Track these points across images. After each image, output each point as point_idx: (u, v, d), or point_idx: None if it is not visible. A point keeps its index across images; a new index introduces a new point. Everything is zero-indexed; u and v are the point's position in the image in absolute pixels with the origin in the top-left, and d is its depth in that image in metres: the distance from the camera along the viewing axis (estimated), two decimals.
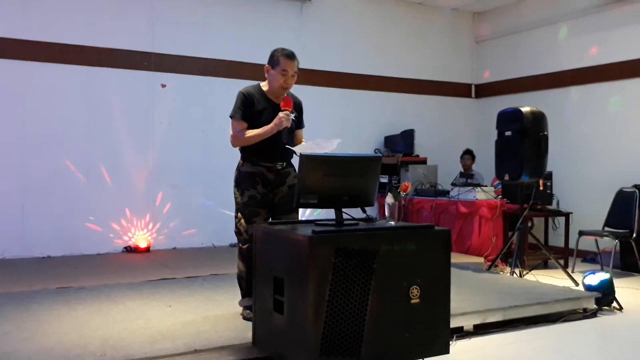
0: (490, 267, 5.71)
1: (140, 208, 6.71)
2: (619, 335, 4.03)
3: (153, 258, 6.22)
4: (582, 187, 7.22)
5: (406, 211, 7.16)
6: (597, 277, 4.58)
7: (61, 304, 4.05)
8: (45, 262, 5.88)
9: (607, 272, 4.72)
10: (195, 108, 6.97)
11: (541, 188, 6.17)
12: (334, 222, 3.03)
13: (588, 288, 4.60)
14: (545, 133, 5.40)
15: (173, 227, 6.85)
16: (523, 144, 5.34)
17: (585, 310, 4.41)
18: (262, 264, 3.12)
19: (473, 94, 8.98)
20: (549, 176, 6.46)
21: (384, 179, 7.58)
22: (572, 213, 6.65)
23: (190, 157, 6.94)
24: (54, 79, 6.31)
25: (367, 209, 3.16)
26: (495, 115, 5.77)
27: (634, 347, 3.76)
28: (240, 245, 3.69)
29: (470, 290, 4.53)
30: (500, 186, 6.73)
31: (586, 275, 4.71)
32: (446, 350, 2.99)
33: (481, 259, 6.05)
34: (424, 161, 7.86)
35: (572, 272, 5.67)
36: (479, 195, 6.40)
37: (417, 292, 2.86)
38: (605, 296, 4.51)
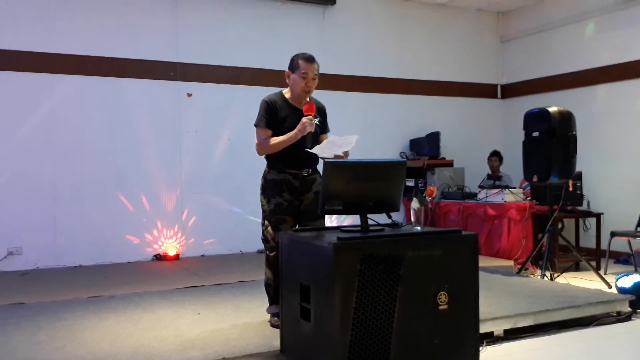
0: (520, 270, 5.63)
1: (169, 216, 6.80)
2: None
3: (182, 265, 6.29)
4: (613, 187, 7.09)
5: (433, 215, 7.10)
6: (630, 279, 4.49)
7: (93, 313, 4.12)
8: (77, 272, 5.99)
9: None
10: (221, 116, 7.03)
11: (570, 189, 6.06)
12: (359, 229, 3.02)
13: (621, 290, 4.51)
14: (574, 133, 5.31)
15: (201, 234, 6.92)
16: (551, 145, 5.26)
17: (618, 313, 4.30)
18: (288, 271, 3.13)
19: (499, 95, 8.89)
20: (578, 176, 6.35)
21: (410, 183, 7.54)
22: (603, 214, 6.53)
23: (217, 164, 7.01)
24: (82, 91, 6.43)
25: (392, 214, 3.15)
26: (521, 115, 5.70)
27: None
28: (268, 252, 3.71)
29: (500, 294, 4.47)
30: (529, 188, 6.62)
31: (619, 278, 4.62)
32: (476, 357, 2.97)
33: (511, 262, 5.96)
34: (450, 164, 7.78)
35: (605, 274, 5.57)
36: (508, 197, 6.31)
37: (445, 298, 2.84)
38: (639, 299, 4.40)
